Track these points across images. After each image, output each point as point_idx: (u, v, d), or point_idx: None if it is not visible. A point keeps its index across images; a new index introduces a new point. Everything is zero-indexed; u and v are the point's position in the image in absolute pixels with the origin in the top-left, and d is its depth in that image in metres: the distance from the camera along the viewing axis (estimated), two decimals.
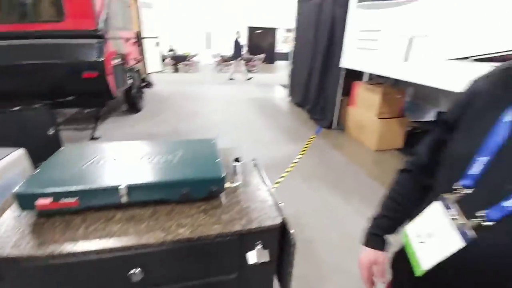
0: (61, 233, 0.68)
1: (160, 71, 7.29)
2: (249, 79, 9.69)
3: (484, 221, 0.48)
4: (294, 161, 3.36)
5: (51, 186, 0.71)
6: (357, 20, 3.58)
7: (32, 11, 3.54)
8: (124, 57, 4.51)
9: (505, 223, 0.46)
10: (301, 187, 2.84)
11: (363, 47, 3.42)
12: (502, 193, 0.47)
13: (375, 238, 0.74)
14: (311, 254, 1.93)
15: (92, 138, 3.94)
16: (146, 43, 6.00)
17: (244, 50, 10.21)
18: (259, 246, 0.75)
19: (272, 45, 15.52)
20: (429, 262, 0.53)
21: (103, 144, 1.00)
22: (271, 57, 15.10)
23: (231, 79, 9.71)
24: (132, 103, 5.09)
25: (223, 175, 0.80)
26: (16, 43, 3.40)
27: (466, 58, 2.10)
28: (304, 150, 3.70)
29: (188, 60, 11.60)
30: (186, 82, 9.07)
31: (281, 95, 7.53)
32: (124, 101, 5.12)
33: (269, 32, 15.21)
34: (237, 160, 0.96)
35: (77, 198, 0.72)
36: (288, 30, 15.04)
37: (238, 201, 0.84)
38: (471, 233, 0.48)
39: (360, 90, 3.96)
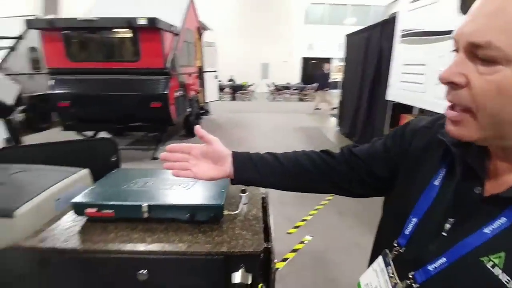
0: (98, 235, 0.93)
1: (217, 100, 8.03)
2: (333, 108, 9.06)
3: (413, 283, 0.49)
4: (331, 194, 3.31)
5: (97, 200, 0.98)
6: (401, 54, 3.52)
7: (115, 53, 4.48)
8: (185, 89, 5.22)
9: (430, 286, 0.47)
10: (335, 222, 2.79)
11: (407, 81, 3.32)
12: (426, 255, 0.48)
13: (238, 155, 0.70)
14: None
15: (153, 158, 4.56)
16: (206, 76, 6.79)
17: (329, 80, 9.94)
18: (242, 269, 0.88)
19: (326, 74, 15.64)
20: None
21: (143, 170, 1.27)
22: (325, 86, 15.18)
23: (317, 109, 9.68)
24: (189, 128, 5.74)
25: (222, 204, 0.97)
26: (102, 77, 4.30)
27: None
28: None
29: (245, 89, 12.52)
30: (241, 110, 9.74)
31: (331, 125, 7.49)
32: (182, 126, 5.81)
33: (323, 62, 15.45)
34: (243, 191, 1.12)
35: (113, 210, 0.97)
36: (342, 60, 15.07)
37: (234, 227, 0.99)
38: None
39: None
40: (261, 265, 0.89)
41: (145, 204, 0.96)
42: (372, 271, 0.58)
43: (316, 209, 2.96)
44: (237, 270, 0.87)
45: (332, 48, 14.21)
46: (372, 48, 4.62)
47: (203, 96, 6.82)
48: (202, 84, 6.68)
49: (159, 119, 4.44)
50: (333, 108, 9.28)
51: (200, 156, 0.71)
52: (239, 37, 14.73)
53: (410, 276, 0.49)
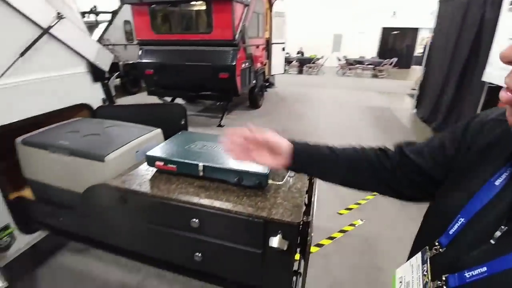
0: (163, 184, 1.11)
1: (283, 73, 7.93)
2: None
3: (444, 285, 0.46)
4: None
5: (164, 155, 1.15)
6: (509, 26, 2.81)
7: (192, 25, 4.78)
8: (252, 61, 5.30)
9: None
10: (394, 211, 2.62)
11: None
12: (466, 260, 0.44)
13: (296, 144, 0.70)
14: (374, 283, 1.85)
15: (219, 125, 4.91)
16: (273, 48, 6.71)
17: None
18: (280, 235, 0.94)
19: (411, 48, 13.64)
20: None
21: (204, 134, 1.42)
22: (407, 61, 13.34)
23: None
24: (253, 100, 5.90)
25: (267, 173, 1.03)
26: (180, 48, 4.67)
27: None
28: None
29: (313, 62, 11.94)
30: (306, 84, 9.44)
31: (404, 106, 6.69)
32: (247, 97, 5.99)
33: (408, 33, 13.42)
34: None
35: (176, 165, 1.13)
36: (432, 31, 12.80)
37: (276, 196, 1.05)
38: None
39: None
40: (298, 235, 0.94)
41: (201, 164, 1.09)
42: (409, 265, 0.56)
43: (374, 195, 2.81)
44: (275, 235, 0.95)
45: (421, 16, 12.09)
46: (471, 17, 3.80)
47: (269, 68, 6.82)
48: (268, 56, 6.66)
49: (225, 89, 4.69)
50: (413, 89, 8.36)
51: (260, 143, 0.70)
52: (311, 5, 13.75)
53: (443, 278, 0.47)
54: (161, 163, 1.15)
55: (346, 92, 8.21)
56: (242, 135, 0.70)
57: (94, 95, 1.84)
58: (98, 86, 1.86)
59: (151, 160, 1.17)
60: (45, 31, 1.51)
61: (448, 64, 4.45)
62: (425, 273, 0.51)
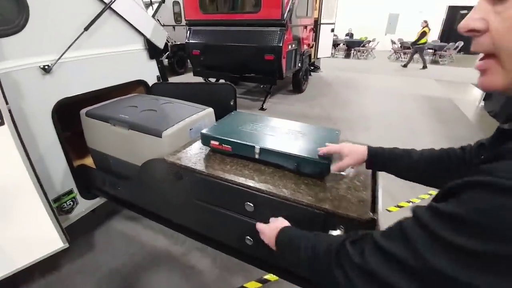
0: (217, 163, 1.09)
1: (329, 57, 7.51)
2: (423, 68, 8.75)
3: None
4: None
5: (219, 135, 1.12)
6: None
7: (239, 4, 4.65)
8: (299, 43, 5.05)
9: None
10: None
11: None
12: None
13: (373, 149, 0.82)
14: None
15: (261, 109, 4.85)
16: (322, 28, 6.32)
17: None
18: (341, 230, 0.86)
19: None
20: None
21: (256, 115, 1.36)
22: None
23: (404, 66, 9.05)
24: (297, 84, 5.69)
25: (329, 162, 0.94)
26: (226, 28, 4.61)
27: None
28: None
29: (363, 45, 11.09)
30: (354, 69, 8.86)
31: (468, 97, 5.91)
32: (291, 81, 5.80)
33: None
34: None
35: (231, 146, 1.10)
36: None
37: (338, 188, 0.96)
38: None
39: None
40: None
41: (257, 146, 1.04)
42: None
43: (429, 194, 2.56)
44: (335, 229, 0.87)
45: None
46: None
47: (315, 51, 6.48)
48: (315, 38, 6.31)
49: (270, 72, 4.56)
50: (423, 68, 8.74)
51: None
52: None
53: None
54: (216, 143, 1.13)
55: (399, 79, 7.52)
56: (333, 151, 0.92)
57: (149, 72, 1.89)
58: (153, 64, 1.90)
59: (206, 139, 1.15)
60: (108, 5, 1.54)
61: None
62: None
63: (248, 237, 1.05)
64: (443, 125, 4.32)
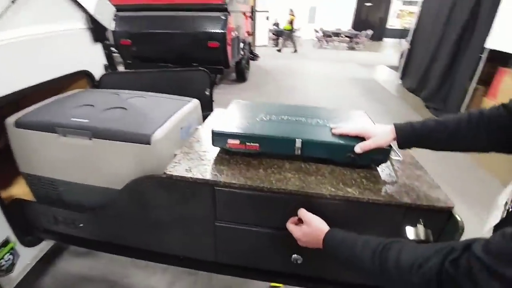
0: (246, 170, 0.83)
1: (266, 45, 7.51)
2: (294, 51, 9.81)
3: None
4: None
5: (240, 131, 0.86)
6: None
7: None
8: (239, 30, 4.83)
9: None
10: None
11: None
12: None
13: (402, 125, 0.74)
14: None
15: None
16: (257, 17, 6.22)
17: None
18: (421, 224, 0.74)
19: (383, 20, 13.78)
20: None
21: (267, 103, 1.12)
22: (380, 34, 13.51)
23: (278, 50, 10.03)
24: (241, 73, 5.48)
25: (390, 147, 0.80)
26: (163, 14, 4.04)
27: None
28: None
29: (292, 32, 11.49)
30: (285, 57, 9.11)
31: (388, 77, 6.76)
32: (234, 70, 5.55)
33: (381, 5, 13.48)
34: None
35: (259, 143, 0.85)
36: (406, 3, 12.99)
37: (398, 175, 0.83)
38: None
39: (506, 80, 3.14)
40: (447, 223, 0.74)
41: (299, 139, 0.82)
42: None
43: None
44: (413, 224, 0.74)
45: None
46: None
47: (253, 39, 6.37)
48: (253, 26, 6.18)
49: (215, 61, 4.21)
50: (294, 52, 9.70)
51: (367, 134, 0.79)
52: None
53: None
54: (236, 142, 0.86)
55: (328, 64, 8.07)
56: (354, 130, 0.81)
57: (95, 61, 1.40)
58: (98, 49, 1.42)
59: (220, 138, 0.87)
60: None
61: (441, 34, 4.44)
62: None
63: (295, 255, 0.84)
64: (378, 103, 4.80)
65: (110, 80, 1.41)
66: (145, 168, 0.92)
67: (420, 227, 0.74)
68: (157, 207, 0.90)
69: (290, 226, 0.75)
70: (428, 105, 4.47)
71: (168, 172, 0.81)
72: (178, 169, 0.83)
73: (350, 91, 5.44)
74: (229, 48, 4.15)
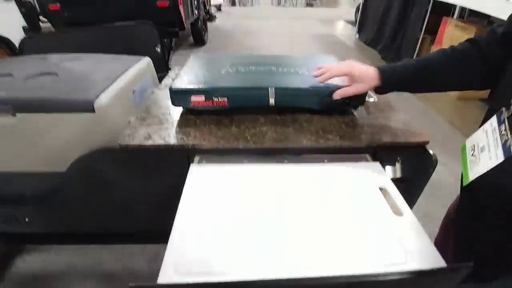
0: (217, 129, 0.73)
1: (222, 3, 6.95)
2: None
3: None
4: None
5: (205, 86, 0.74)
6: None
7: None
8: None
9: None
10: None
11: None
12: None
13: (385, 68, 0.69)
14: None
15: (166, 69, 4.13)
16: None
17: None
18: (399, 162, 0.72)
19: None
20: (473, 174, 0.53)
21: (233, 55, 0.99)
22: None
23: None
24: (198, 35, 5.05)
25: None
26: None
27: None
28: None
29: None
30: (244, 16, 8.59)
31: (346, 32, 6.75)
32: (190, 33, 5.10)
33: None
34: None
35: (226, 98, 0.74)
36: None
37: (374, 117, 0.79)
38: None
39: (449, 28, 3.32)
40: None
41: (271, 88, 0.72)
42: (481, 132, 0.55)
43: None
44: (391, 163, 0.72)
45: None
46: None
47: None
48: None
49: (168, 23, 3.77)
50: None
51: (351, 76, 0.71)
52: None
53: None
54: (201, 98, 0.74)
55: (287, 22, 7.79)
56: (340, 72, 0.71)
57: (9, 22, 1.12)
58: (11, 7, 1.12)
59: (181, 96, 0.74)
60: None
61: None
62: (503, 132, 0.49)
63: None
64: (339, 58, 4.80)
65: (35, 44, 1.14)
66: (92, 142, 0.77)
67: (398, 165, 0.73)
68: (115, 184, 0.78)
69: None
70: (384, 57, 4.58)
71: (122, 143, 0.68)
72: (135, 137, 0.70)
73: (313, 49, 5.36)
74: (181, 7, 3.73)
